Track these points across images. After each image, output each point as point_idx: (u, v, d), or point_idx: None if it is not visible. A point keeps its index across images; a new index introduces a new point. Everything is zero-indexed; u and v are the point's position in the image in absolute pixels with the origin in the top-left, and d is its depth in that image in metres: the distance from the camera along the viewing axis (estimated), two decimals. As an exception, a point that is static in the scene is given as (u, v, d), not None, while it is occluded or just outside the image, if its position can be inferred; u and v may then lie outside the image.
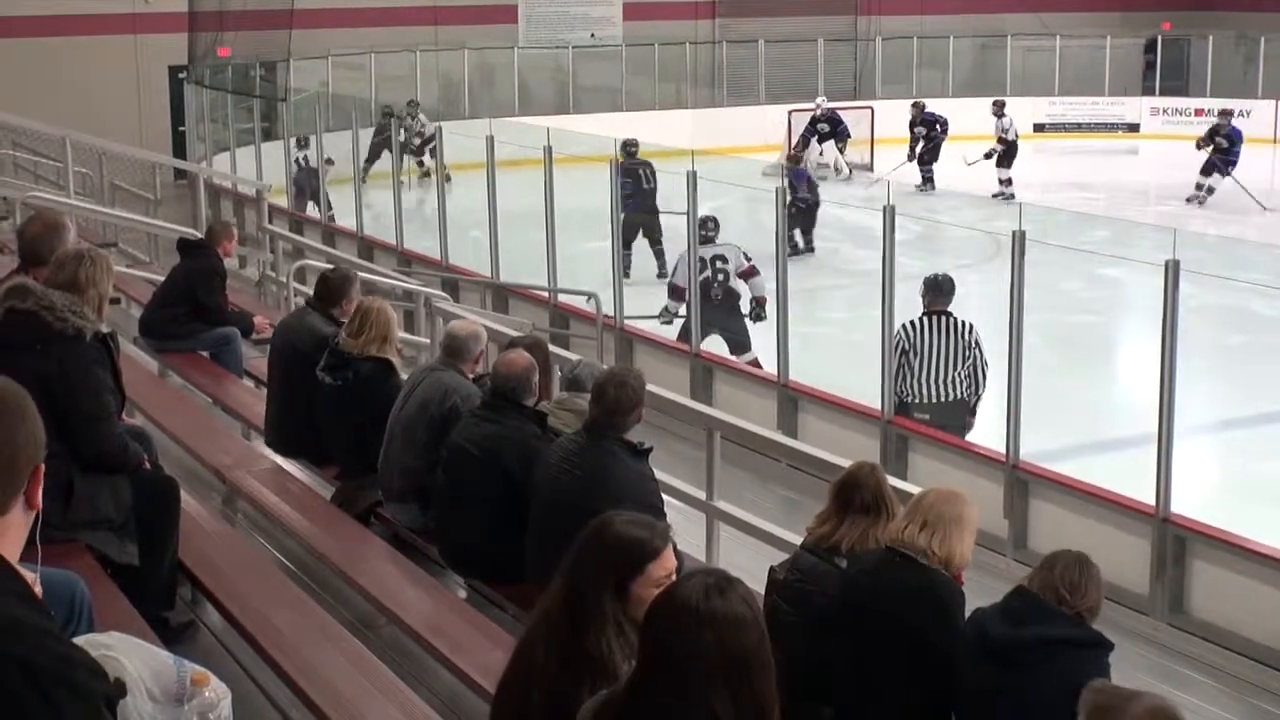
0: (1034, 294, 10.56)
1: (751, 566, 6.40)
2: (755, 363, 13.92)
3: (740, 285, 14.73)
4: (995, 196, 27.21)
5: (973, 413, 11.41)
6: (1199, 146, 28.20)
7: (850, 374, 12.22)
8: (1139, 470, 9.67)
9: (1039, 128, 37.18)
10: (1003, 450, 10.49)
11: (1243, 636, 8.98)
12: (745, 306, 14.68)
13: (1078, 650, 5.06)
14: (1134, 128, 37.32)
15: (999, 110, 29.42)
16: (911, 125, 29.54)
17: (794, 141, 29.66)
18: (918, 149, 28.99)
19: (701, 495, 8.57)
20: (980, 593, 5.56)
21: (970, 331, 11.24)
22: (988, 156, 28.35)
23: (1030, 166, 32.98)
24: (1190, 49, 39.33)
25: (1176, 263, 9.12)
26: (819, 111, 30.09)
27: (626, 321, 14.63)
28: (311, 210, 22.72)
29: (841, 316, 17.17)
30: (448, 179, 19.97)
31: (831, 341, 15.58)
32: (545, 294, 15.81)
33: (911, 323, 11.32)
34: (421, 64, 31.77)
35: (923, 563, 5.32)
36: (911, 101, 30.63)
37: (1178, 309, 9.26)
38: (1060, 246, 14.58)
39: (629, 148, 19.22)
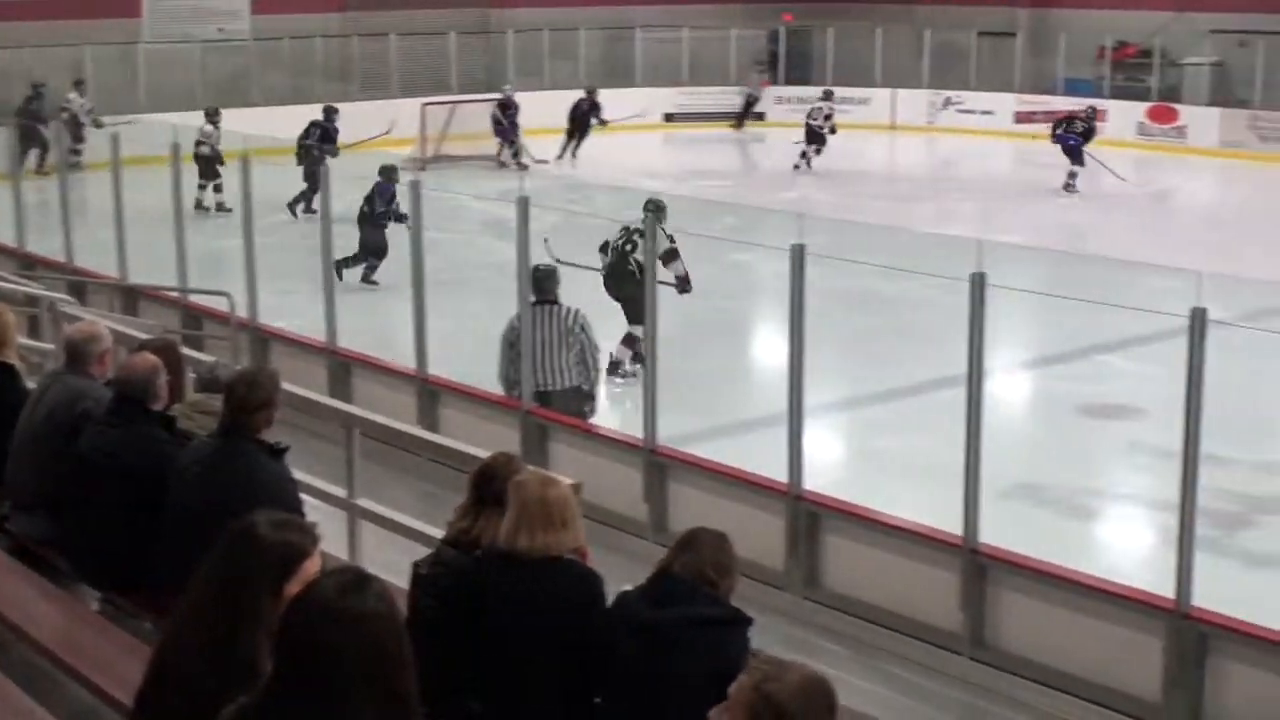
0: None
1: (396, 563, 6.36)
2: (631, 338, 14.42)
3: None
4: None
5: (591, 397, 11.63)
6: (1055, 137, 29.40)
7: (493, 366, 12.23)
8: (774, 450, 9.91)
9: (669, 117, 37.93)
10: (641, 435, 10.64)
11: (872, 604, 9.31)
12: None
13: (720, 628, 5.15)
14: (760, 116, 38.36)
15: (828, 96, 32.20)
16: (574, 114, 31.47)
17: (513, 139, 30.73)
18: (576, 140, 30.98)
19: (342, 493, 8.48)
20: (623, 576, 5.62)
21: (576, 318, 11.47)
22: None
23: (660, 156, 33.66)
24: (812, 39, 40.57)
25: (802, 247, 9.38)
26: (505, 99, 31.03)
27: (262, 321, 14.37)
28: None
29: (481, 309, 17.21)
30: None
31: (471, 334, 15.58)
32: (176, 294, 15.39)
33: (520, 314, 11.47)
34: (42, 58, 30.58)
35: (554, 555, 5.36)
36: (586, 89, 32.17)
37: (804, 291, 9.52)
38: (692, 234, 14.89)
39: (387, 171, 19.54)
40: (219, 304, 14.46)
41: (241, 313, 14.24)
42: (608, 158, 30.50)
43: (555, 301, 11.58)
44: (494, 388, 12.01)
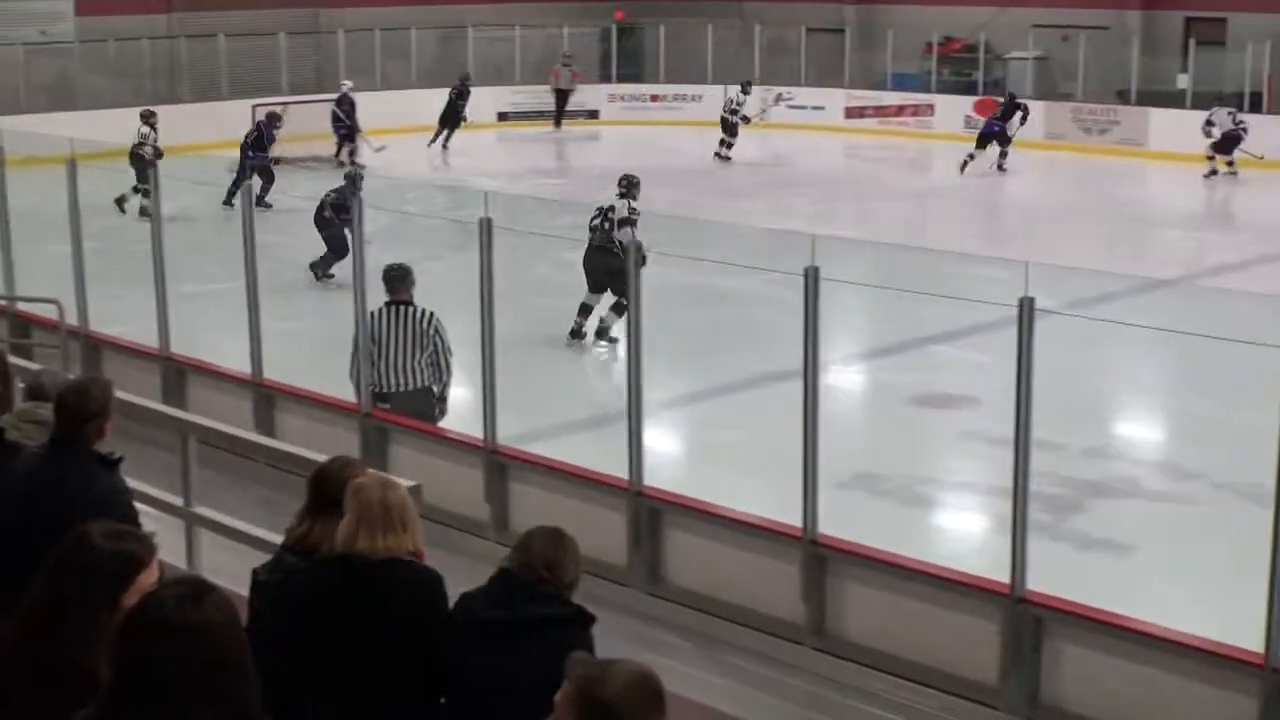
0: (505, 280, 10.72)
1: (236, 570, 6.29)
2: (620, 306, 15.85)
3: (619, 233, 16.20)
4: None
5: (442, 399, 11.56)
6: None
7: (331, 369, 12.13)
8: (615, 447, 9.94)
9: (502, 116, 37.86)
10: (480, 435, 10.62)
11: (715, 598, 9.38)
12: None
13: (562, 627, 5.16)
14: (594, 114, 38.43)
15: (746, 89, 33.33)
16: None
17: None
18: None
19: (179, 501, 8.37)
20: (466, 577, 5.60)
21: (430, 320, 11.40)
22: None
23: (495, 155, 33.62)
24: (644, 37, 40.73)
25: (639, 244, 9.43)
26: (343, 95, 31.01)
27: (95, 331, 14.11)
28: None
29: (319, 312, 17.06)
30: None
31: (306, 337, 15.46)
32: (3, 303, 15.05)
33: (372, 314, 11.38)
34: None
35: (394, 557, 5.34)
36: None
37: (640, 288, 9.56)
38: (528, 232, 14.90)
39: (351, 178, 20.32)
40: (48, 311, 14.16)
41: (72, 320, 13.98)
42: (442, 158, 30.41)
43: (409, 302, 11.48)
44: (335, 391, 11.91)
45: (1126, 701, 7.85)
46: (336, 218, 18.44)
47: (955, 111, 35.59)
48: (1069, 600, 8.15)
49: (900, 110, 36.79)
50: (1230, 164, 29.51)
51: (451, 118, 33.39)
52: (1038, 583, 8.15)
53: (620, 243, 15.67)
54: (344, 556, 5.35)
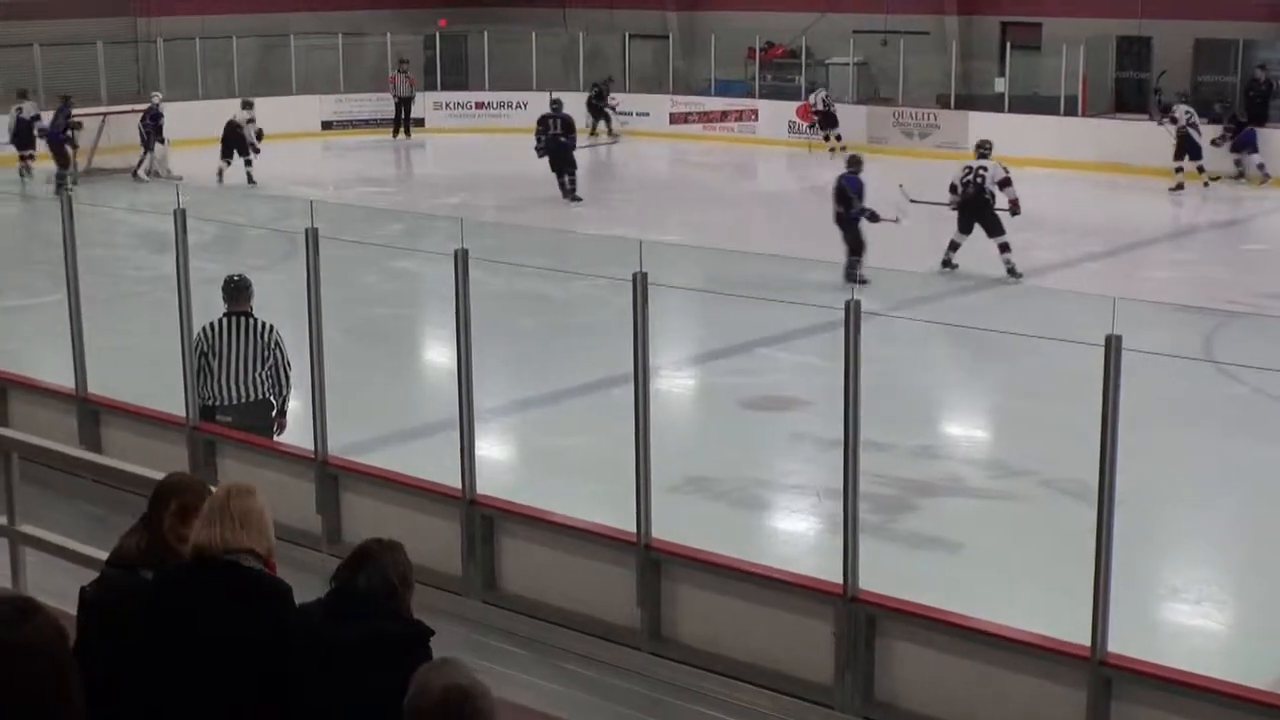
0: (333, 290, 10.62)
1: (64, 589, 6.16)
2: (1005, 245, 20.33)
3: (993, 188, 20.60)
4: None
5: (282, 412, 11.41)
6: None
7: (156, 383, 11.92)
8: (446, 455, 9.89)
9: (327, 125, 37.58)
10: (311, 447, 10.51)
11: (551, 604, 9.37)
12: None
13: (401, 643, 5.09)
14: (419, 122, 38.23)
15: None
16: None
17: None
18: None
19: (2, 520, 8.18)
20: (299, 590, 5.53)
21: (270, 332, 11.23)
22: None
23: (320, 164, 33.33)
24: (468, 44, 40.64)
25: (465, 251, 9.37)
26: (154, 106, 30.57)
27: None
28: None
29: (142, 325, 16.76)
30: None
31: (135, 351, 15.18)
32: None
33: (211, 325, 11.21)
34: None
35: (246, 564, 5.26)
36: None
37: (469, 295, 9.51)
38: (355, 241, 14.77)
39: (554, 103, 28.81)
40: None
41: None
42: (268, 169, 30.05)
43: (249, 314, 11.30)
44: (164, 405, 11.70)
45: (960, 697, 7.98)
46: None
47: (779, 116, 35.97)
48: (901, 599, 8.27)
49: (724, 115, 37.06)
50: (1201, 170, 29.15)
51: (598, 113, 35.98)
52: (870, 582, 8.25)
53: (992, 194, 20.48)
54: (189, 565, 5.27)
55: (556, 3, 41.69)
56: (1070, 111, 32.33)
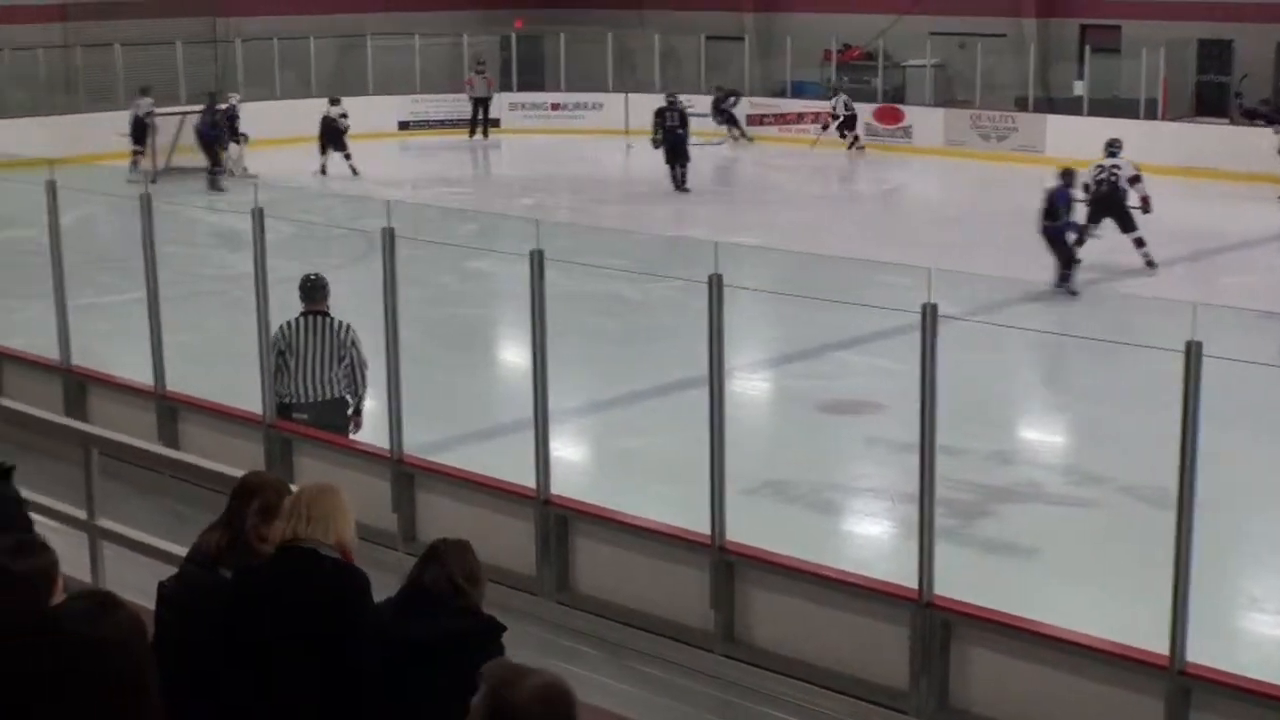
0: (409, 289, 10.65)
1: (142, 584, 6.21)
2: (1140, 240, 21.04)
3: (1125, 186, 21.14)
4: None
5: (358, 411, 11.45)
6: None
7: (234, 380, 12.01)
8: (522, 455, 9.91)
9: (404, 125, 37.70)
10: (387, 446, 10.55)
11: (624, 606, 9.37)
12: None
13: (472, 639, 5.12)
14: (496, 122, 38.27)
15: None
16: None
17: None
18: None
19: (82, 515, 8.26)
20: (375, 589, 5.56)
21: (347, 332, 11.28)
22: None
23: (397, 164, 33.46)
24: (544, 45, 40.68)
25: (540, 252, 9.38)
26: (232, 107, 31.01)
27: None
28: None
29: (220, 323, 16.88)
30: None
31: (212, 348, 15.28)
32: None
33: (289, 323, 11.27)
34: None
35: (324, 553, 5.30)
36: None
37: (544, 296, 9.52)
38: (431, 241, 14.84)
39: (670, 96, 30.21)
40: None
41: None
42: (343, 168, 30.26)
43: (325, 313, 11.36)
44: (237, 401, 11.78)
45: (1034, 704, 7.92)
46: None
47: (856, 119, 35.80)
48: (976, 604, 8.21)
49: (800, 117, 36.92)
50: None
51: (724, 116, 36.23)
52: (945, 587, 8.20)
53: (1124, 191, 21.02)
54: (270, 560, 5.33)
55: (633, 4, 41.67)
56: (1150, 115, 31.98)
